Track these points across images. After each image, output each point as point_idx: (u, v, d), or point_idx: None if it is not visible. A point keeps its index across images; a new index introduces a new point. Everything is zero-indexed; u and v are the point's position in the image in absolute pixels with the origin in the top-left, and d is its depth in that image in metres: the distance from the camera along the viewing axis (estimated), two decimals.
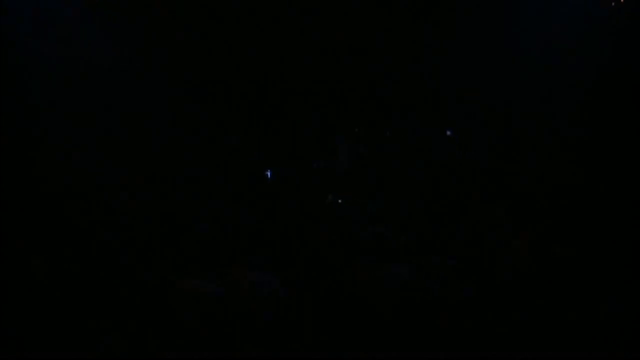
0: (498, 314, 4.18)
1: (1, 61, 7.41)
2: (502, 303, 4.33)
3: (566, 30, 7.57)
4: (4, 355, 3.73)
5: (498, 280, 4.74)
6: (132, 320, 4.03)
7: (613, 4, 7.51)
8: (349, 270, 4.83)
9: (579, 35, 7.51)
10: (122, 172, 7.81)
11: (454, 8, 8.31)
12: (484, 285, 4.61)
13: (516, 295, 4.42)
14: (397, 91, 8.76)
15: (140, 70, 8.15)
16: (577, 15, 7.54)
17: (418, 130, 8.92)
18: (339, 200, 8.01)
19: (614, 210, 6.13)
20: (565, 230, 5.73)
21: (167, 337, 3.91)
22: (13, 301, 4.25)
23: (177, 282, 4.36)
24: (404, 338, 3.97)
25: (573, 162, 7.38)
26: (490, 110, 8.34)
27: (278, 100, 8.85)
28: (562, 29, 7.59)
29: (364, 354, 3.82)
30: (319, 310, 4.24)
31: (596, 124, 7.41)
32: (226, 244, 5.77)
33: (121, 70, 8.06)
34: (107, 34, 7.99)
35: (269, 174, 8.83)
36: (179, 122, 8.60)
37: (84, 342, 3.85)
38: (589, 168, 7.24)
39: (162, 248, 5.57)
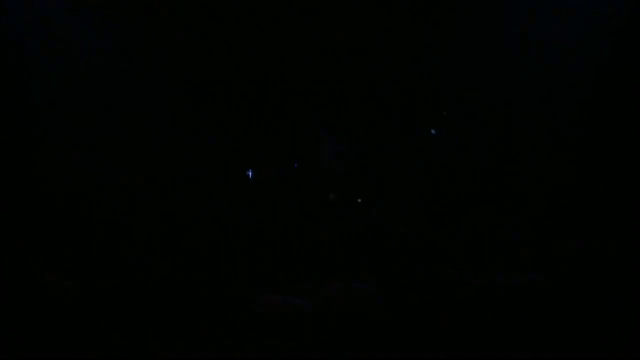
0: (498, 314, 4.18)
1: (1, 61, 7.41)
2: (502, 303, 4.33)
3: (566, 30, 7.57)
4: (4, 355, 3.72)
5: (498, 281, 4.74)
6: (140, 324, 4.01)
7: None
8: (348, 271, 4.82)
9: (579, 35, 7.51)
10: (122, 172, 7.81)
11: (454, 8, 8.31)
12: (484, 285, 4.61)
13: (516, 295, 4.42)
14: (397, 91, 8.76)
15: (140, 70, 8.15)
16: (577, 15, 7.54)
17: (418, 130, 8.92)
18: (353, 201, 8.02)
19: (614, 210, 6.13)
20: (565, 230, 5.73)
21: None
22: (13, 301, 4.25)
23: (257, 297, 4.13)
24: (403, 338, 3.97)
25: (573, 162, 7.39)
26: (490, 110, 8.34)
27: (278, 100, 8.85)
28: (562, 29, 7.59)
29: (364, 354, 3.81)
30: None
31: (596, 124, 7.41)
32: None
33: (121, 70, 8.06)
34: (107, 34, 8.00)
35: (250, 174, 8.82)
36: (179, 122, 8.60)
37: (86, 343, 3.85)
38: (589, 168, 7.24)
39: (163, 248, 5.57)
